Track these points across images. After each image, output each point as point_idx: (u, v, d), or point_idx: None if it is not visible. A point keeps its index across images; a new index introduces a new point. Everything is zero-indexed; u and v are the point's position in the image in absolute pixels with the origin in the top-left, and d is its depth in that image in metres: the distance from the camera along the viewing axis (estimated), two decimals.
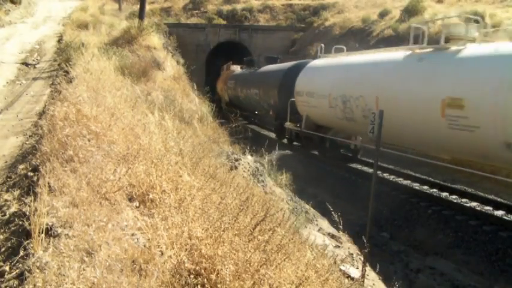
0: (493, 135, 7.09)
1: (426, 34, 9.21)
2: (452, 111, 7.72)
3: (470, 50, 8.15)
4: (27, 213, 3.06)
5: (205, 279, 2.67)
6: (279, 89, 14.81)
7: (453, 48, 8.48)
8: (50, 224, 2.93)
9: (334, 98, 11.41)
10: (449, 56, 8.43)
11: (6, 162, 5.40)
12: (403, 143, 9.83)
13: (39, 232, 2.73)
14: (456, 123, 7.68)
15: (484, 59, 7.72)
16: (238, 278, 2.71)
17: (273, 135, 17.44)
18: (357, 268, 5.77)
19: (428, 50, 9.13)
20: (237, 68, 23.22)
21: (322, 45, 14.00)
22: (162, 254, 2.81)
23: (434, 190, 10.71)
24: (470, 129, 7.45)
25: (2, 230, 3.37)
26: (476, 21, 8.82)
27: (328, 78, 12.09)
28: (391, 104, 8.99)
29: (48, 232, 2.86)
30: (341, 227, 5.83)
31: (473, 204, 9.60)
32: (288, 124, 14.10)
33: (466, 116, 7.48)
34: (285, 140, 15.32)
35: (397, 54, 10.11)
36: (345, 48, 13.06)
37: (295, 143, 14.87)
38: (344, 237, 7.15)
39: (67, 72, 8.94)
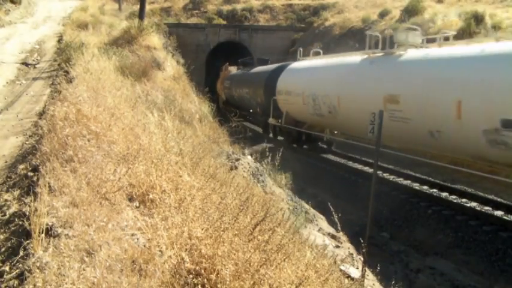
0: (421, 125, 8.59)
1: (380, 41, 10.69)
2: (391, 105, 9.22)
3: (408, 54, 9.70)
4: (27, 213, 3.06)
5: (205, 279, 2.67)
6: (264, 89, 16.19)
7: (397, 52, 9.99)
8: (50, 224, 2.93)
9: (306, 96, 12.99)
10: (392, 60, 9.97)
11: (6, 162, 5.40)
12: (358, 133, 11.34)
13: (39, 232, 2.73)
14: (394, 116, 9.10)
15: (416, 61, 9.29)
16: (238, 278, 2.71)
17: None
18: (357, 268, 5.77)
19: (379, 54, 10.66)
20: (233, 69, 24.16)
21: (301, 49, 15.73)
22: (162, 254, 2.81)
23: (434, 190, 10.72)
24: (404, 120, 8.96)
25: (2, 230, 3.37)
26: (415, 29, 10.51)
27: (302, 78, 13.72)
28: (349, 101, 10.88)
29: (48, 232, 2.86)
30: (339, 228, 5.83)
31: (473, 204, 9.60)
32: (270, 120, 15.79)
33: (401, 109, 9.01)
34: (271, 135, 16.65)
35: (356, 58, 11.61)
36: (321, 51, 14.62)
37: (279, 137, 16.14)
38: (344, 237, 7.15)
39: (67, 72, 8.94)
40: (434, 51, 9.29)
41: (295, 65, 15.11)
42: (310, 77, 13.34)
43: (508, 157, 7.10)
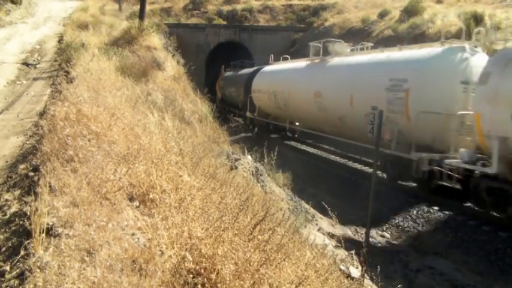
0: (333, 113, 12.49)
1: (321, 49, 14.14)
2: (317, 99, 13.22)
3: (332, 61, 13.41)
4: (28, 213, 3.06)
5: (206, 279, 2.68)
6: (244, 88, 19.79)
7: (327, 59, 13.68)
8: (51, 223, 2.94)
9: (270, 93, 16.96)
10: (322, 65, 13.89)
11: (6, 162, 5.41)
12: (300, 120, 16.49)
13: (39, 232, 2.74)
14: (320, 107, 13.15)
15: (334, 67, 13.05)
16: (238, 277, 2.72)
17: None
18: (357, 268, 5.77)
19: (316, 60, 14.42)
20: (229, 71, 26.58)
21: (272, 55, 19.34)
22: (162, 253, 2.82)
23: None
24: (325, 110, 12.94)
25: (2, 230, 3.37)
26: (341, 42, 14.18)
27: (269, 79, 17.77)
28: (295, 96, 14.96)
29: (49, 232, 2.87)
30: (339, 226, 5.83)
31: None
32: (247, 113, 19.45)
33: (322, 102, 13.00)
34: (253, 128, 19.62)
35: (302, 63, 15.51)
36: (289, 57, 18.04)
37: (256, 129, 19.20)
38: (343, 237, 7.15)
39: (67, 72, 8.95)
40: (347, 59, 12.80)
41: (266, 68, 18.79)
42: (273, 78, 17.27)
43: None
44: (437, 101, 8.94)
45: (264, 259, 2.89)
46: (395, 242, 8.73)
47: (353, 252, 6.63)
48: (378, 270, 4.74)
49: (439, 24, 17.64)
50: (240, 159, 8.37)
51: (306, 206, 8.16)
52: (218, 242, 2.92)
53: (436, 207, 9.50)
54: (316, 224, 7.44)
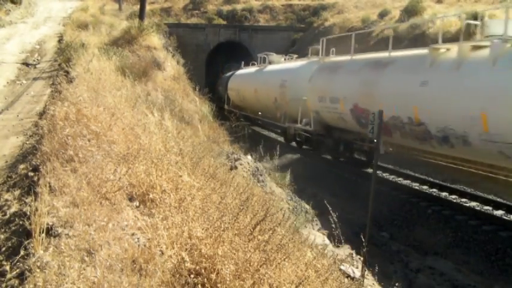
0: (263, 102, 18.14)
1: (267, 58, 19.50)
2: (256, 94, 18.87)
3: (266, 68, 19.06)
4: (28, 213, 3.06)
5: (206, 279, 2.67)
6: (224, 87, 24.35)
7: (264, 67, 19.31)
8: (51, 223, 2.94)
9: (236, 90, 22.36)
10: (261, 70, 19.45)
11: (6, 162, 5.41)
12: (250, 108, 21.34)
13: (39, 232, 2.74)
14: (257, 99, 18.81)
15: (266, 72, 18.74)
16: (238, 277, 2.71)
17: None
18: (357, 268, 5.77)
19: (262, 67, 19.67)
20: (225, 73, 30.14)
21: (243, 62, 23.47)
22: (162, 253, 2.82)
23: (434, 190, 10.72)
24: (260, 101, 18.46)
25: (2, 230, 3.37)
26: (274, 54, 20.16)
27: (237, 80, 22.77)
28: (246, 93, 20.51)
29: (49, 232, 2.87)
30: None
31: (473, 204, 9.60)
32: (225, 106, 23.40)
33: (257, 95, 18.56)
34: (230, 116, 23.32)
35: (254, 69, 20.78)
36: (256, 63, 21.46)
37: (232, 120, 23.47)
38: (343, 237, 7.14)
39: (67, 72, 8.94)
40: (272, 66, 18.64)
41: (237, 72, 23.49)
42: (238, 80, 22.43)
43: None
44: (298, 92, 14.15)
45: (264, 259, 2.89)
46: (395, 242, 8.73)
47: (353, 252, 6.63)
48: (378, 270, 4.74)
49: (438, 24, 17.62)
50: (240, 159, 8.37)
51: (306, 206, 8.16)
52: (218, 242, 2.92)
53: (436, 207, 9.50)
54: (316, 224, 7.44)
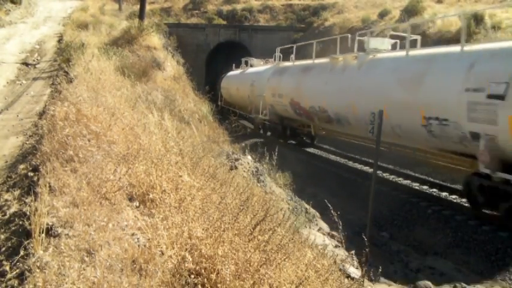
0: (241, 98, 21.54)
1: (249, 63, 22.70)
2: (238, 92, 22.06)
3: (247, 71, 21.65)
4: (28, 213, 3.06)
5: (206, 279, 2.67)
6: (218, 86, 26.77)
7: (246, 69, 22.08)
8: (51, 223, 2.93)
9: (226, 89, 25.22)
10: (243, 72, 22.16)
11: (6, 162, 5.41)
12: (236, 104, 23.75)
13: (39, 232, 2.74)
14: (238, 95, 22.07)
15: (245, 74, 21.51)
16: (239, 277, 2.71)
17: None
18: (357, 268, 5.77)
19: (244, 69, 22.46)
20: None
21: (234, 64, 25.22)
22: (163, 253, 2.81)
23: (434, 190, 10.71)
24: (241, 98, 21.42)
25: (2, 230, 3.37)
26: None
27: (226, 81, 25.51)
28: (231, 91, 23.85)
29: (49, 232, 2.87)
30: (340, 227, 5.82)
31: None
32: (219, 103, 25.75)
33: (239, 93, 21.84)
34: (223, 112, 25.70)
35: (239, 70, 23.21)
36: (245, 66, 24.13)
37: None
38: (344, 237, 7.13)
39: (67, 72, 8.94)
40: (251, 69, 21.56)
41: (229, 73, 25.73)
42: (228, 80, 25.12)
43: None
44: (261, 90, 17.39)
45: (264, 259, 2.88)
46: (395, 242, 8.73)
47: (353, 252, 6.62)
48: (379, 270, 4.74)
49: (439, 24, 17.63)
50: (240, 159, 8.37)
51: (306, 205, 8.15)
52: (218, 242, 2.91)
53: (436, 207, 9.50)
54: (316, 224, 7.44)
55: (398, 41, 12.01)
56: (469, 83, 7.41)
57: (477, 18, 15.59)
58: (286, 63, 16.86)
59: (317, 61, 13.70)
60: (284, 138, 17.21)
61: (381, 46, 11.29)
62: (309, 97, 13.25)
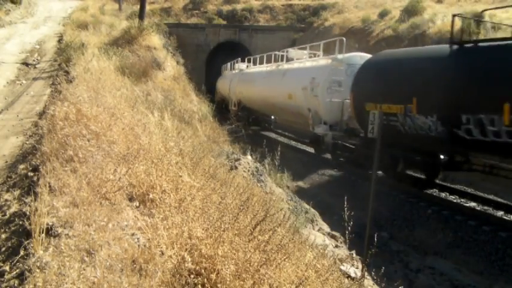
0: (233, 94, 23.88)
1: (236, 65, 24.85)
2: (224, 88, 26.28)
3: (232, 71, 25.52)
4: (28, 213, 3.06)
5: (206, 279, 2.67)
6: (216, 85, 29.13)
7: (234, 71, 25.00)
8: (50, 223, 2.93)
9: (220, 88, 28.01)
10: (230, 72, 25.81)
11: (6, 162, 5.41)
12: (226, 98, 26.04)
13: (39, 232, 2.74)
14: (232, 92, 23.94)
15: (229, 74, 25.97)
16: (239, 277, 2.71)
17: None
18: (357, 268, 5.77)
19: (232, 71, 25.26)
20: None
21: (229, 64, 27.29)
22: (163, 253, 2.81)
23: (434, 190, 10.71)
24: (234, 93, 23.49)
25: (2, 230, 3.37)
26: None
27: (221, 80, 28.58)
28: (224, 87, 26.72)
29: (49, 232, 2.86)
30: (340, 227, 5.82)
31: (473, 204, 9.59)
32: (216, 98, 27.38)
33: (226, 93, 25.66)
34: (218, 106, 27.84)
35: (232, 72, 25.48)
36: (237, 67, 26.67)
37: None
38: (344, 237, 7.13)
39: (67, 72, 8.94)
40: (234, 71, 24.79)
41: (223, 73, 28.79)
42: (222, 80, 28.06)
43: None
44: (233, 87, 23.38)
45: (264, 259, 2.88)
46: (395, 242, 8.72)
47: (353, 252, 6.62)
48: (377, 270, 4.73)
49: (439, 24, 17.63)
50: (240, 159, 8.37)
51: (306, 206, 8.15)
52: (218, 242, 2.91)
53: (436, 207, 9.50)
54: (317, 224, 7.44)
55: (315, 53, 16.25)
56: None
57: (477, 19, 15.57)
58: (255, 69, 22.29)
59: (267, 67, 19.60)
60: (249, 125, 21.75)
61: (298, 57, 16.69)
62: (264, 94, 18.87)
